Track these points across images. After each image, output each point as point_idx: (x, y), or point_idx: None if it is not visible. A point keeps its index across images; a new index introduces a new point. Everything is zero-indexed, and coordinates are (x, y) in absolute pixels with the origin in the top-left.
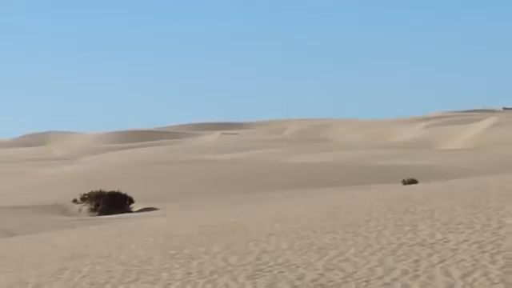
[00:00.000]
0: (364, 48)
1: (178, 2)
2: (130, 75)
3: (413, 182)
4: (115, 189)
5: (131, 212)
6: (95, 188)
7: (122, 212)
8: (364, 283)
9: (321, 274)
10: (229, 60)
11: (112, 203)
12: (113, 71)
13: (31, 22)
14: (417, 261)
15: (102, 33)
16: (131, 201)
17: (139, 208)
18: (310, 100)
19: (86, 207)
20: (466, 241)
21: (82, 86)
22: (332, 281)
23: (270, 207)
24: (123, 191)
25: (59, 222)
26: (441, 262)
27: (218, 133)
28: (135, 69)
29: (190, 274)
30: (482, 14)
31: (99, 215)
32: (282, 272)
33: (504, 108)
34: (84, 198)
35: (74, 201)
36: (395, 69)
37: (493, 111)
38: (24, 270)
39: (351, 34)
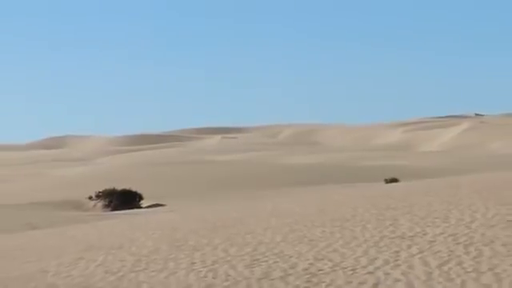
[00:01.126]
0: (351, 58)
1: (181, 13)
2: (139, 84)
3: (394, 180)
4: (126, 187)
5: (141, 208)
6: (108, 186)
7: (133, 208)
8: (350, 272)
9: (311, 264)
10: (229, 68)
11: (123, 200)
12: (124, 80)
13: (52, 32)
14: (397, 252)
15: (113, 42)
16: (141, 198)
17: (148, 204)
18: (302, 106)
19: (100, 203)
20: (442, 233)
21: (96, 94)
22: (321, 270)
23: (265, 204)
24: (133, 189)
25: (76, 217)
26: (419, 252)
27: (218, 136)
28: (144, 78)
29: (193, 263)
30: (456, 23)
31: (112, 211)
32: (277, 262)
33: (476, 114)
34: (98, 195)
35: (90, 198)
36: (379, 78)
37: (466, 117)
38: (44, 260)
39: (340, 44)
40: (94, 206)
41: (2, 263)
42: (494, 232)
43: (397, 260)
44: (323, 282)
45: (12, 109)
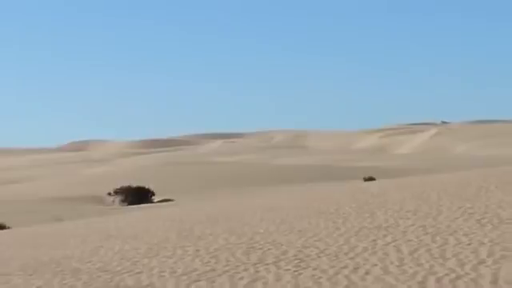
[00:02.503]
0: (335, 72)
1: (188, 26)
2: (152, 94)
3: (371, 179)
4: (140, 184)
5: (152, 203)
6: (125, 184)
7: (146, 202)
8: (334, 258)
9: (300, 251)
10: (230, 79)
11: (137, 196)
12: (138, 91)
13: (75, 45)
14: (374, 240)
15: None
16: (152, 194)
17: (159, 199)
18: (292, 114)
19: (117, 199)
20: (413, 225)
21: (116, 102)
22: (309, 256)
23: (260, 199)
24: (146, 186)
25: (97, 210)
26: (393, 241)
27: (220, 141)
28: (157, 89)
29: (198, 250)
30: (428, 35)
31: (128, 205)
32: (270, 249)
33: (442, 121)
34: (116, 192)
35: (109, 194)
36: (359, 89)
37: (433, 124)
38: (69, 248)
39: (325, 59)
40: (113, 201)
41: (32, 250)
42: (457, 224)
43: (374, 247)
44: (310, 266)
45: (42, 116)
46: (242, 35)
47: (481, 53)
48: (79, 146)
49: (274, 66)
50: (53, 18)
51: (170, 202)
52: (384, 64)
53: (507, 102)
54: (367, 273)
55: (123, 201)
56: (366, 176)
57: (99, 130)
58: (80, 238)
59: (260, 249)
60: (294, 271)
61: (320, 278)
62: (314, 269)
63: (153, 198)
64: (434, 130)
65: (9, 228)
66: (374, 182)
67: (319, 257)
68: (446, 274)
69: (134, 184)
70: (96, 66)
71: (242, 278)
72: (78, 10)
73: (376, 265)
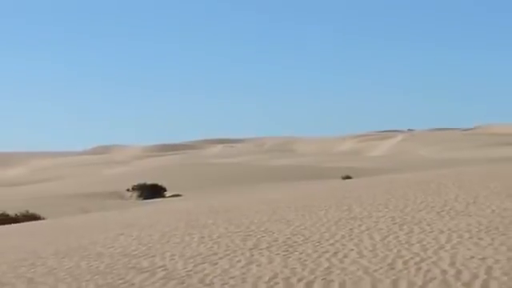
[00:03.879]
0: (316, 84)
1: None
2: (163, 105)
3: (348, 177)
4: (154, 182)
5: (164, 197)
6: (141, 181)
7: (158, 197)
8: (317, 243)
9: (288, 238)
10: (228, 91)
11: (152, 191)
12: (152, 103)
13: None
14: (351, 229)
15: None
16: (164, 190)
17: (169, 194)
18: (281, 122)
19: (135, 194)
20: (384, 216)
21: (133, 112)
22: (296, 242)
23: (255, 194)
24: (159, 183)
25: (118, 204)
26: (367, 229)
27: (221, 146)
28: (168, 101)
29: (202, 237)
30: (391, 54)
31: (143, 199)
32: (264, 236)
33: (408, 129)
34: (134, 188)
35: (127, 190)
36: (338, 101)
37: (400, 131)
38: (94, 235)
39: (307, 74)
40: (131, 196)
41: (63, 238)
42: (420, 215)
43: (351, 235)
44: (297, 251)
45: (70, 123)
46: (242, 51)
47: (441, 70)
48: (102, 150)
49: (267, 80)
50: (82, 29)
51: (179, 197)
52: (361, 78)
53: (461, 113)
54: (345, 256)
55: (139, 196)
56: (344, 175)
57: (119, 135)
58: (103, 227)
59: (255, 236)
60: (284, 255)
61: (305, 260)
62: (301, 253)
63: (164, 193)
64: (400, 137)
65: (44, 219)
66: (350, 180)
67: (305, 243)
68: (412, 258)
69: (149, 182)
70: (119, 81)
71: (239, 261)
72: (104, 21)
73: (352, 249)
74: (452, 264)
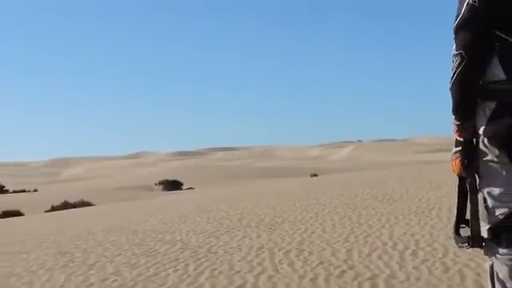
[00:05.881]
0: (292, 101)
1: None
2: (180, 124)
3: (315, 175)
4: (174, 178)
5: (182, 190)
6: (164, 178)
7: (177, 190)
8: (292, 223)
9: (271, 219)
10: (229, 111)
11: (172, 186)
12: (175, 121)
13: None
14: (317, 212)
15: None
16: (181, 184)
17: (185, 188)
18: (266, 134)
19: (160, 187)
20: (341, 203)
21: (162, 126)
22: (277, 222)
23: (248, 187)
24: (178, 179)
25: (148, 194)
26: (328, 213)
27: (223, 152)
28: (184, 118)
29: (209, 219)
30: (353, 58)
31: (167, 191)
32: (254, 218)
33: (358, 140)
34: (159, 183)
35: (155, 184)
36: (308, 116)
37: (352, 142)
38: (131, 217)
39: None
40: (157, 188)
41: (108, 219)
42: (368, 202)
43: (316, 217)
44: (278, 228)
45: (112, 134)
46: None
47: (384, 92)
48: (137, 155)
49: (258, 102)
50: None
51: (192, 190)
52: (325, 100)
53: (398, 127)
54: (312, 232)
55: (164, 188)
56: (312, 173)
57: (149, 144)
58: (137, 211)
59: (247, 217)
60: (268, 231)
61: (284, 235)
62: (280, 230)
63: (182, 186)
64: (353, 145)
65: (95, 205)
66: (316, 177)
67: (283, 223)
68: (361, 233)
69: (170, 178)
70: (151, 101)
71: (236, 236)
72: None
73: (318, 228)
74: (390, 238)
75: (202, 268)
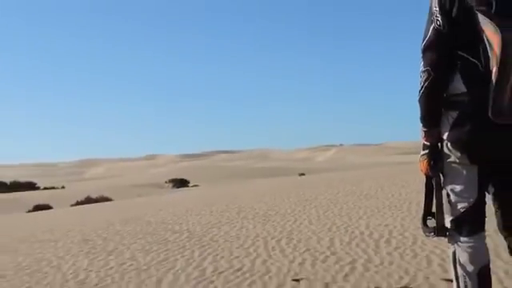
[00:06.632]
0: (285, 108)
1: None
2: (190, 127)
3: (303, 174)
4: (182, 177)
5: (188, 187)
6: (173, 177)
7: (185, 187)
8: (283, 216)
9: (265, 212)
10: (228, 116)
11: (181, 183)
12: (184, 126)
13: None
14: (304, 206)
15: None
16: (188, 182)
17: (191, 185)
18: (262, 138)
19: (170, 185)
20: (324, 198)
21: (173, 131)
22: (270, 215)
23: (245, 185)
24: (185, 178)
25: (159, 191)
26: (314, 207)
27: (224, 155)
28: (192, 125)
29: (212, 211)
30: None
31: (176, 188)
32: (250, 210)
33: (340, 144)
34: (169, 181)
35: (165, 182)
36: (298, 123)
37: (334, 145)
38: (144, 210)
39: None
40: (167, 186)
41: (125, 212)
42: (347, 198)
43: (304, 210)
44: (270, 220)
45: (129, 137)
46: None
47: (362, 102)
48: (150, 157)
49: (255, 109)
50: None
51: (197, 187)
52: (312, 106)
53: (374, 132)
54: (301, 223)
55: (173, 186)
56: (300, 173)
57: (161, 147)
58: (150, 205)
59: (245, 210)
60: (263, 223)
61: (276, 226)
62: (273, 222)
63: (188, 184)
64: (336, 149)
65: (113, 200)
66: (304, 176)
67: (275, 215)
68: (342, 224)
69: (179, 177)
70: (164, 106)
71: (235, 226)
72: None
73: (305, 219)
74: (367, 228)
75: (205, 254)
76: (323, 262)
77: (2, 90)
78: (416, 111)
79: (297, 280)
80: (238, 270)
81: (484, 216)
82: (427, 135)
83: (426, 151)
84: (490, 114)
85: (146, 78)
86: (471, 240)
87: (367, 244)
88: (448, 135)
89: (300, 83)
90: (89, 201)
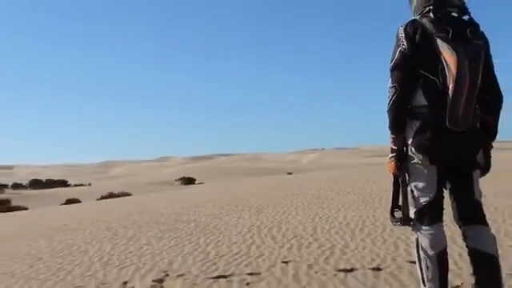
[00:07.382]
0: (273, 116)
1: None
2: (193, 138)
3: (290, 173)
4: (190, 176)
5: (195, 184)
6: (182, 176)
7: (192, 184)
8: (274, 207)
9: (259, 205)
10: (226, 122)
11: (188, 181)
12: (191, 131)
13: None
14: (291, 200)
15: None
16: (195, 180)
17: (198, 182)
18: (255, 143)
19: (179, 182)
20: (308, 193)
21: (184, 136)
22: (263, 207)
23: (242, 182)
24: (192, 176)
25: (170, 188)
26: (300, 200)
27: (224, 157)
28: (196, 132)
29: (214, 204)
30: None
31: (184, 185)
32: (246, 204)
33: (322, 148)
34: (179, 179)
35: (176, 180)
36: (286, 129)
37: (317, 149)
38: (157, 204)
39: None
40: (177, 183)
41: (142, 205)
42: (328, 193)
43: (291, 203)
44: (264, 211)
45: (144, 141)
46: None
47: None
48: (162, 159)
49: (250, 118)
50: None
51: (202, 184)
52: (298, 116)
53: (351, 137)
54: (289, 214)
55: (182, 183)
56: (288, 172)
57: (172, 150)
58: (162, 199)
59: (241, 204)
60: (257, 214)
61: (268, 217)
62: (265, 213)
63: (195, 182)
64: (318, 152)
65: (132, 195)
66: (291, 175)
67: (267, 207)
68: (323, 215)
69: (187, 176)
70: (177, 113)
71: (234, 217)
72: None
73: (292, 211)
74: (344, 219)
75: (209, 240)
76: (307, 247)
77: (38, 102)
78: (385, 120)
79: (285, 262)
80: (237, 253)
81: (442, 208)
82: (394, 141)
83: (394, 154)
84: (447, 123)
85: (160, 91)
86: (431, 228)
87: (344, 232)
88: (412, 141)
89: (288, 96)
90: (111, 196)
